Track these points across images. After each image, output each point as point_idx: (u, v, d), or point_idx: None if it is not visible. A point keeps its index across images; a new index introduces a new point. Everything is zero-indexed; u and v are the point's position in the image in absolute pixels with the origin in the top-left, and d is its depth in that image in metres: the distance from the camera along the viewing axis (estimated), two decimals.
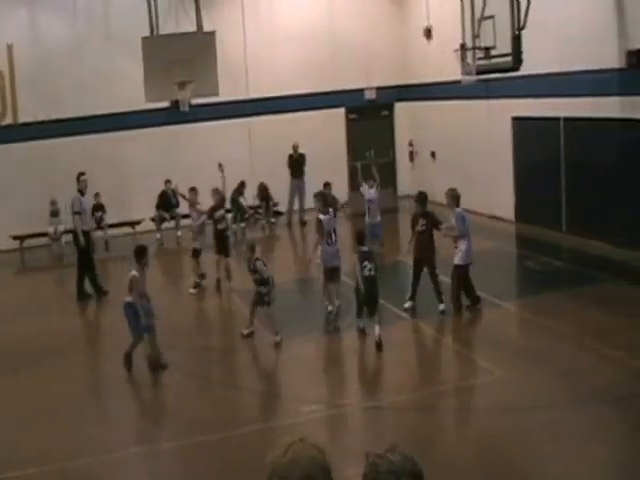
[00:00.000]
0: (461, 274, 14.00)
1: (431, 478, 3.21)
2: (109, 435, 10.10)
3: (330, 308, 14.21)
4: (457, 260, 13.95)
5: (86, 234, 16.93)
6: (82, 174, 17.38)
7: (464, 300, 14.12)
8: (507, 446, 9.24)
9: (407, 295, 14.44)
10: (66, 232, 20.51)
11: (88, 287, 16.91)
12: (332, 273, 14.22)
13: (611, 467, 8.50)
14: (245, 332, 13.37)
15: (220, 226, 16.77)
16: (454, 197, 14.15)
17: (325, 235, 14.19)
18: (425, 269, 14.26)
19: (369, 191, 18.11)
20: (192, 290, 16.65)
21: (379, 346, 12.29)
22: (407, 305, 14.43)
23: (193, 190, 17.67)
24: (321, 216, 14.44)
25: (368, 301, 12.78)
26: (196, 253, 16.87)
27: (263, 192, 23.82)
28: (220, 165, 16.98)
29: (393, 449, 2.68)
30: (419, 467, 2.64)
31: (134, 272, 12.15)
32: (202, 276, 16.88)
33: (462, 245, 13.88)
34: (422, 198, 14.57)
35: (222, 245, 16.70)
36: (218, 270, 16.59)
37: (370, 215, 18.07)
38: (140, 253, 12.44)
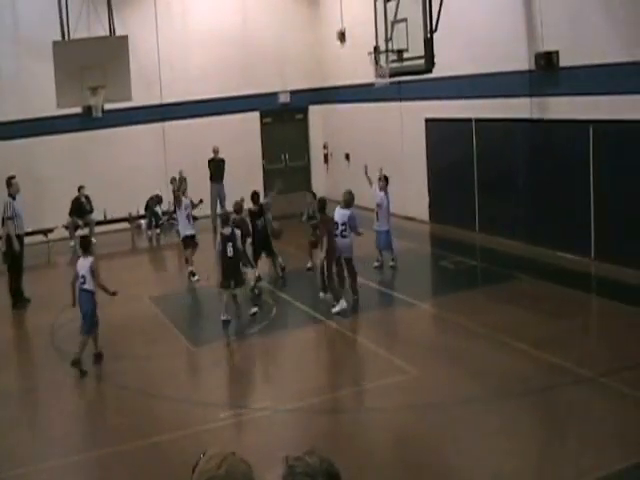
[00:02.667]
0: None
1: (350, 478, 3.28)
2: (24, 448, 9.85)
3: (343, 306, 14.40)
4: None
5: (20, 238, 16.61)
6: (12, 177, 17.07)
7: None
8: (423, 443, 9.39)
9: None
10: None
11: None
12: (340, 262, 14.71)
13: (524, 459, 8.71)
14: None
15: None
16: (348, 200, 15.00)
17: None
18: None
19: (378, 193, 16.87)
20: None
21: None
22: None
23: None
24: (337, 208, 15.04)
25: None
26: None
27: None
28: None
29: (311, 452, 2.72)
30: (336, 469, 2.69)
31: (92, 259, 12.42)
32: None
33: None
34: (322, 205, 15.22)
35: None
36: None
37: (378, 221, 16.87)
38: (86, 243, 12.88)
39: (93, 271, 12.27)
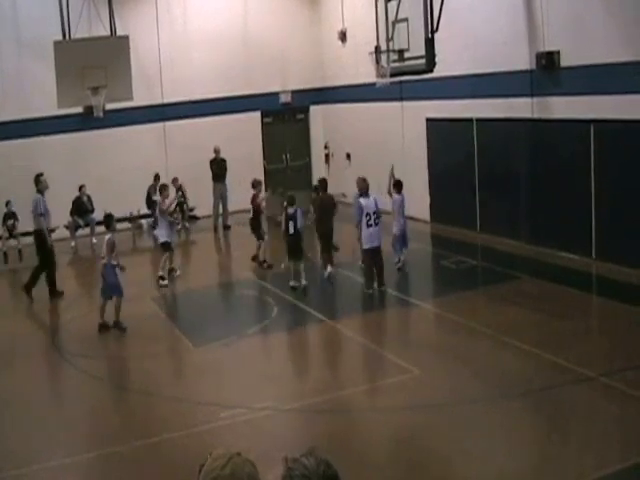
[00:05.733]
0: (366, 256, 15.34)
1: (351, 477, 3.27)
2: (23, 448, 9.83)
3: (370, 291, 15.25)
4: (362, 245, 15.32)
5: (48, 233, 17.28)
6: (40, 175, 17.49)
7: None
8: (425, 443, 9.38)
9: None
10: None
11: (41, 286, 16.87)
12: (373, 253, 15.18)
13: (526, 459, 8.70)
14: None
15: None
16: (363, 187, 15.39)
17: (365, 217, 15.04)
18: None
19: (395, 197, 16.63)
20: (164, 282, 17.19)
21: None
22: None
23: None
24: (361, 200, 15.23)
25: None
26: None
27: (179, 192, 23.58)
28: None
29: (310, 453, 2.72)
30: (333, 470, 2.67)
31: (110, 236, 13.92)
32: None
33: (359, 231, 15.19)
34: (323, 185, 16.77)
35: None
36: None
37: (395, 223, 16.73)
38: (109, 220, 14.45)
39: (108, 246, 13.74)
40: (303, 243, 15.84)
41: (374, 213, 15.06)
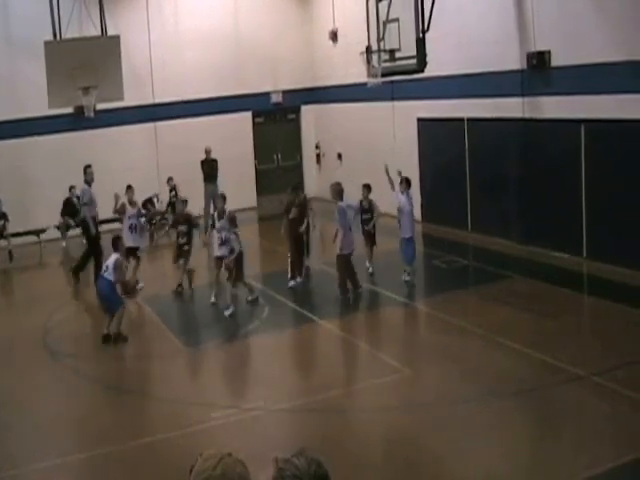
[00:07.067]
0: (343, 263, 15.02)
1: (344, 477, 3.27)
2: (18, 449, 9.83)
3: (347, 296, 15.12)
4: (338, 250, 15.02)
5: (95, 222, 17.79)
6: (88, 166, 18.22)
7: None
8: (416, 442, 9.38)
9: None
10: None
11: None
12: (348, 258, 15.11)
13: (518, 458, 8.71)
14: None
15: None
16: (337, 191, 15.25)
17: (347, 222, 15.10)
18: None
19: (400, 197, 15.68)
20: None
21: None
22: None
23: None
24: (342, 204, 15.12)
25: None
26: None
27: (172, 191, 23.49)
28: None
29: (300, 453, 2.71)
30: (324, 470, 2.67)
31: (118, 256, 13.69)
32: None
33: (340, 236, 14.95)
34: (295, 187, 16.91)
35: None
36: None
37: (401, 229, 15.89)
38: (116, 242, 13.96)
39: (116, 268, 13.46)
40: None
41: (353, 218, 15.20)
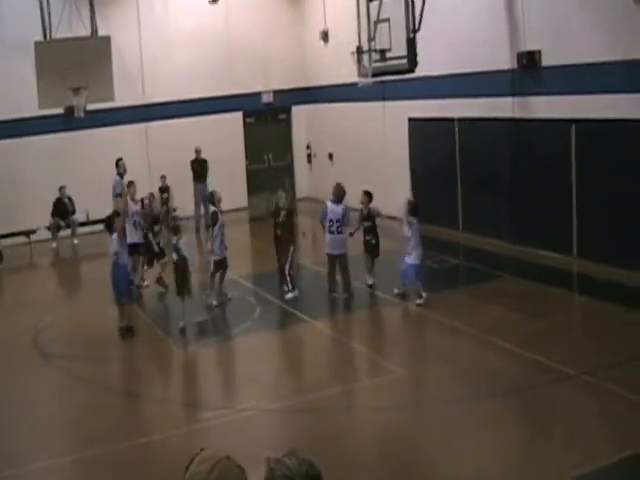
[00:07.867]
0: (328, 261, 15.30)
1: (337, 477, 3.26)
2: (11, 449, 9.79)
3: (333, 295, 15.20)
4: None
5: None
6: (120, 159, 19.91)
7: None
8: (409, 442, 9.41)
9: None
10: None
11: None
12: (333, 259, 15.15)
13: (510, 457, 8.74)
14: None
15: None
16: (337, 193, 15.18)
17: (327, 222, 15.00)
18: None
19: (410, 218, 14.37)
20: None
21: None
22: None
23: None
24: (329, 204, 15.18)
25: None
26: None
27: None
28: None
29: (291, 453, 2.70)
30: (316, 470, 2.66)
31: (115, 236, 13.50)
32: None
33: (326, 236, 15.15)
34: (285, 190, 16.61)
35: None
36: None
37: (410, 251, 14.44)
38: (109, 222, 13.88)
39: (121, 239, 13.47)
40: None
41: (337, 221, 14.83)
